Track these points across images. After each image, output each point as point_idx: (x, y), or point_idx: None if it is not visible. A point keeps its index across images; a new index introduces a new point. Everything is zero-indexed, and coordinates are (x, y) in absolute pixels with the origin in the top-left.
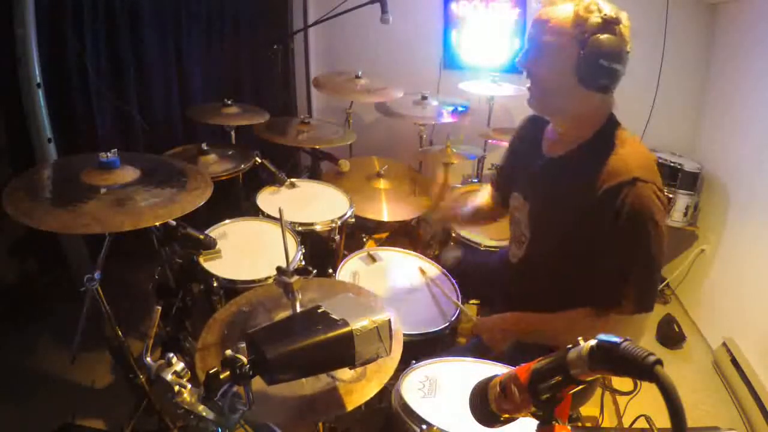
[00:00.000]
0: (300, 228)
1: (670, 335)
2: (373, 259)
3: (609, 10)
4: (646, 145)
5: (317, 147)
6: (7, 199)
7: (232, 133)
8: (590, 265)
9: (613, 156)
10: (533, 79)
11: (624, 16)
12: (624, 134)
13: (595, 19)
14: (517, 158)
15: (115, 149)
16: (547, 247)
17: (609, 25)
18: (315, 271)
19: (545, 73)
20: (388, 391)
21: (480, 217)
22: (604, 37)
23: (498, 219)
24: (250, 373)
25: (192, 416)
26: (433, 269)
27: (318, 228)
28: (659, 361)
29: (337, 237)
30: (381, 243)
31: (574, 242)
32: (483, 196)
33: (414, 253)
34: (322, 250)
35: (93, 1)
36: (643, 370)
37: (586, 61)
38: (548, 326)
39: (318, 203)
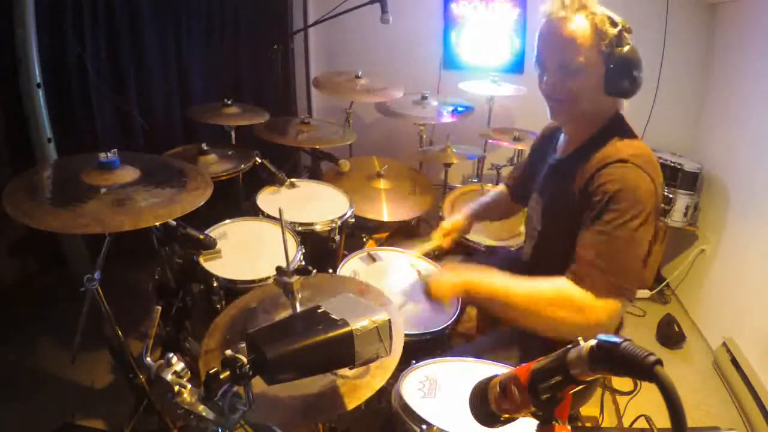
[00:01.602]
0: (300, 228)
1: (670, 335)
2: (373, 259)
3: (617, 18)
4: (646, 145)
5: (317, 147)
6: (7, 199)
7: (232, 133)
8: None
9: (610, 145)
10: (562, 98)
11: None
12: (627, 129)
13: (611, 30)
14: (536, 160)
15: (115, 149)
16: (555, 239)
17: (623, 34)
18: (315, 271)
19: (577, 91)
20: (387, 391)
21: (491, 213)
22: (626, 49)
23: (509, 215)
24: (250, 373)
25: (192, 416)
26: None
27: (318, 228)
28: (659, 361)
29: (337, 237)
30: (381, 243)
31: (576, 230)
32: (494, 192)
33: (414, 253)
34: (322, 250)
35: (93, 1)
36: (643, 370)
37: (616, 75)
38: (509, 288)
39: (318, 203)
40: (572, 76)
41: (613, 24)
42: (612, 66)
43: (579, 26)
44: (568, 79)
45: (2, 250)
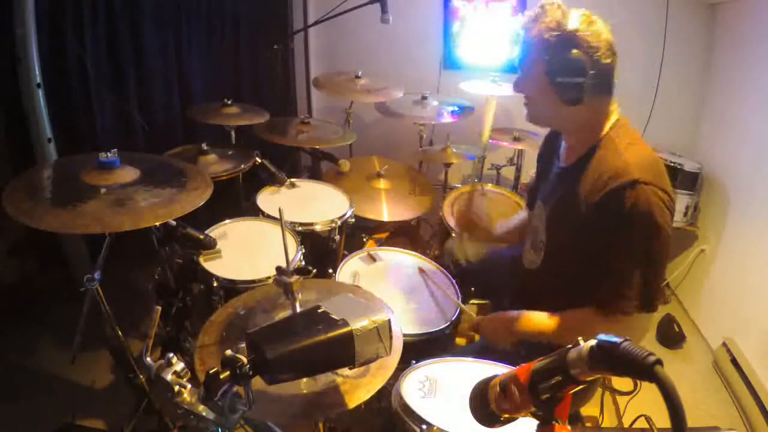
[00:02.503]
0: (300, 228)
1: (670, 335)
2: (373, 259)
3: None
4: (649, 149)
5: (317, 147)
6: (7, 199)
7: (232, 133)
8: (599, 267)
9: (617, 159)
10: (526, 97)
11: (585, 21)
12: (629, 136)
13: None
14: (541, 170)
15: (115, 149)
16: (563, 250)
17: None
18: (315, 271)
19: (529, 91)
20: (388, 391)
21: (515, 235)
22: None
23: None
24: (250, 373)
25: (192, 416)
26: (433, 269)
27: (318, 228)
28: (659, 361)
29: (337, 237)
30: (381, 243)
31: (584, 245)
32: (521, 215)
33: (414, 253)
34: (322, 250)
35: (93, 2)
36: (643, 370)
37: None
38: (552, 326)
39: (318, 203)
40: (521, 73)
41: (559, 29)
42: (554, 75)
43: (529, 37)
44: (520, 74)
45: (2, 250)
